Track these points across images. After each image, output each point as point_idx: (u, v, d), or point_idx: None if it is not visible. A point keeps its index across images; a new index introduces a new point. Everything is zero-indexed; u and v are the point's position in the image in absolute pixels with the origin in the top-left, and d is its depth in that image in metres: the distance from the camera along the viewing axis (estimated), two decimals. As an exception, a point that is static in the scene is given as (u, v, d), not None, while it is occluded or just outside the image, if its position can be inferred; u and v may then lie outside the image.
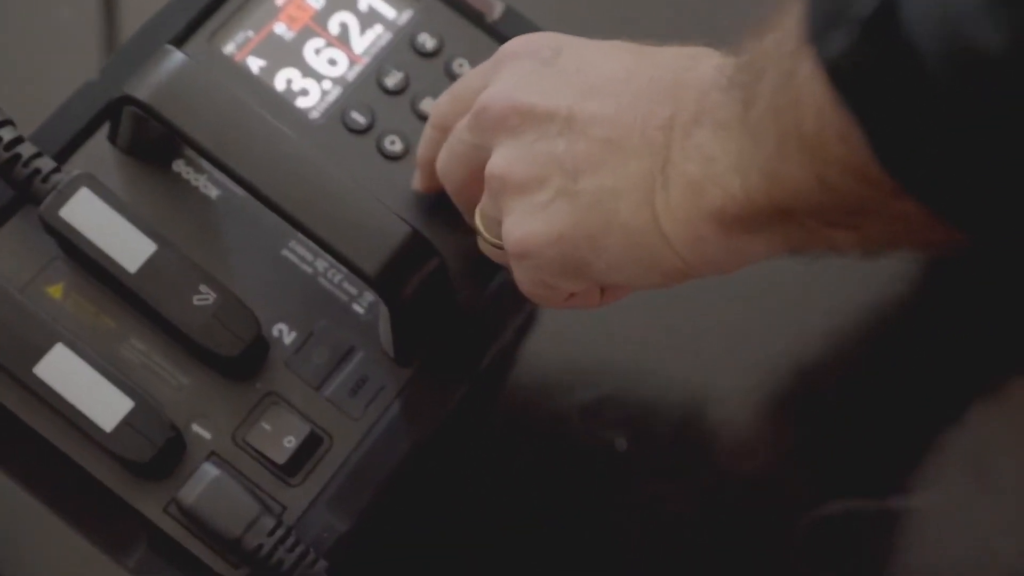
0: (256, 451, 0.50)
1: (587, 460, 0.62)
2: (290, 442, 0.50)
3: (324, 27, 0.56)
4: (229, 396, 0.50)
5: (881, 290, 0.67)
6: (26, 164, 0.49)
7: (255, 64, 0.55)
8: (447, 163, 0.50)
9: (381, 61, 0.56)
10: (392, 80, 0.56)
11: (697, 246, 0.42)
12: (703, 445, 0.64)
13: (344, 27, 0.56)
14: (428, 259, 0.50)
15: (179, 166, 0.53)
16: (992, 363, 0.66)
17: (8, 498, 0.52)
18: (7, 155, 0.49)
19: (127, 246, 0.49)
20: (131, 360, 0.50)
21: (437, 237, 0.51)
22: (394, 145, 0.55)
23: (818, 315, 0.66)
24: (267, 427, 0.50)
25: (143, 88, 0.49)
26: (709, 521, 0.61)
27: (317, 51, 0.56)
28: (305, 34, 0.56)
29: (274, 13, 0.56)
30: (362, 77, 0.56)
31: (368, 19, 0.57)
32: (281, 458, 0.50)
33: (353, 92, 0.55)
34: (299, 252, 0.53)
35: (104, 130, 0.52)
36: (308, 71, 0.55)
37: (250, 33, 0.55)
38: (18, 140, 0.50)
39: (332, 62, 0.56)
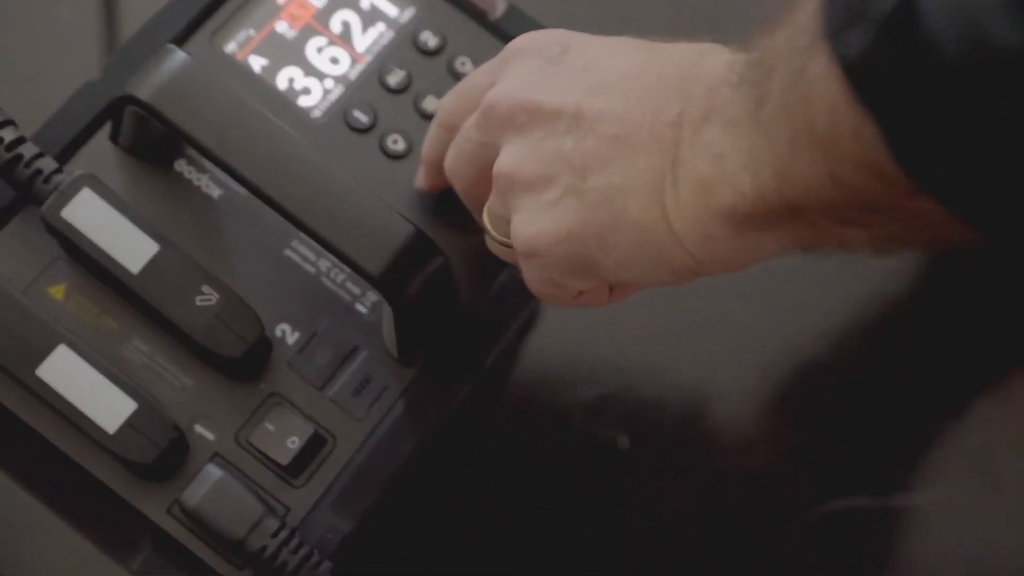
0: (259, 452, 0.50)
1: (589, 459, 0.62)
2: (293, 443, 0.50)
3: (326, 25, 0.56)
4: (232, 397, 0.50)
5: (882, 287, 0.67)
6: (28, 165, 0.49)
7: (257, 63, 0.55)
8: (455, 162, 0.50)
9: (383, 59, 0.56)
10: (394, 79, 0.56)
11: (707, 244, 0.42)
12: (705, 443, 0.64)
13: (346, 25, 0.56)
14: (432, 259, 0.49)
15: (181, 166, 0.52)
16: (994, 360, 0.66)
17: (10, 500, 0.52)
18: (9, 156, 0.49)
19: (129, 247, 0.49)
20: (133, 361, 0.50)
21: (440, 236, 0.51)
22: (397, 144, 0.55)
23: (820, 313, 0.66)
24: (270, 428, 0.50)
25: (145, 88, 0.49)
26: (711, 519, 0.61)
27: (319, 50, 0.56)
28: (307, 32, 0.56)
29: (275, 12, 0.56)
30: (364, 76, 0.56)
31: (370, 17, 0.56)
32: (285, 459, 0.49)
33: (355, 91, 0.55)
34: (302, 252, 0.52)
35: (105, 130, 0.52)
36: (310, 70, 0.55)
37: (251, 32, 0.55)
38: (20, 140, 0.49)
39: (334, 61, 0.56)
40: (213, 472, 0.48)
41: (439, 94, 0.55)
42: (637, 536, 0.61)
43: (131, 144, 0.52)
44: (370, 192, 0.49)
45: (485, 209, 0.49)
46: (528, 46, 0.47)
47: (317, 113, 0.55)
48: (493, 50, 0.55)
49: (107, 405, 0.47)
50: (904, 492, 0.63)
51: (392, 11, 0.57)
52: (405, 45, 0.56)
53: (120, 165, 0.52)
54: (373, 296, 0.52)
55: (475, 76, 0.50)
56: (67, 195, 0.49)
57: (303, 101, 0.55)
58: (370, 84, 0.55)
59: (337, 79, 0.55)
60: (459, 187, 0.51)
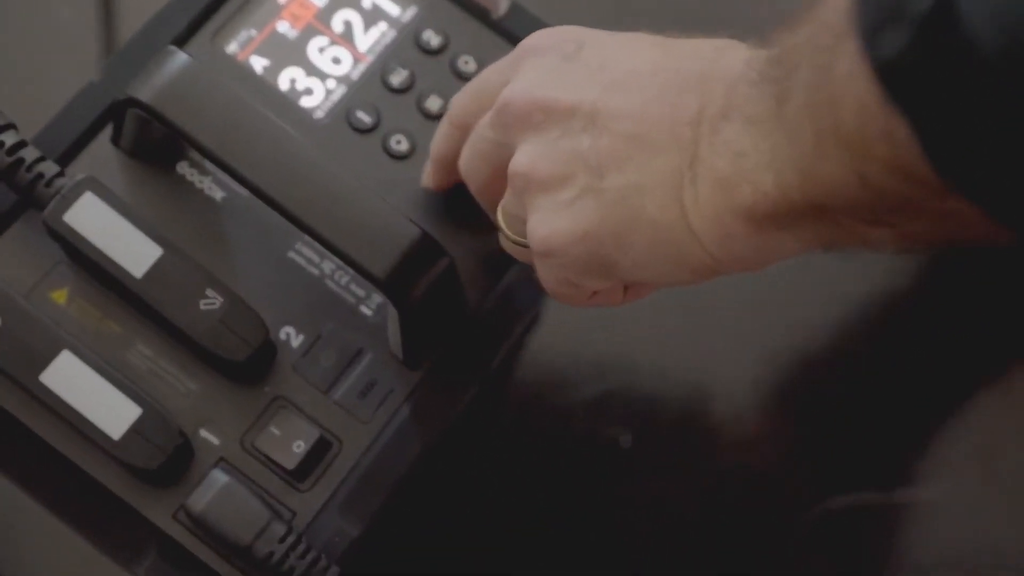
0: (265, 456, 0.49)
1: (592, 457, 0.62)
2: (299, 447, 0.49)
3: (328, 25, 0.56)
4: (237, 401, 0.50)
5: (885, 283, 0.67)
6: (29, 169, 0.49)
7: (258, 64, 0.54)
8: (470, 162, 0.49)
9: (386, 59, 0.55)
10: (397, 78, 0.55)
11: (726, 242, 0.42)
12: (707, 440, 0.64)
13: (348, 25, 0.56)
14: (437, 260, 0.49)
15: (183, 168, 0.52)
16: (997, 355, 0.66)
17: (15, 506, 0.51)
18: (10, 160, 0.49)
19: (133, 251, 0.48)
20: (137, 366, 0.49)
21: (445, 237, 0.50)
22: (400, 144, 0.54)
23: (822, 310, 0.66)
24: (276, 432, 0.50)
25: (146, 90, 0.48)
26: (714, 517, 0.61)
27: (321, 50, 0.55)
28: (308, 32, 0.55)
29: (277, 11, 0.55)
30: (367, 76, 0.55)
31: (372, 16, 0.56)
32: (290, 463, 0.49)
33: (358, 91, 0.55)
34: (305, 254, 0.52)
35: (107, 132, 0.52)
36: (312, 70, 0.55)
37: (253, 32, 0.55)
38: (21, 144, 0.49)
39: (336, 61, 0.55)
40: (219, 477, 0.47)
41: (442, 94, 0.55)
42: (640, 534, 0.61)
43: (133, 146, 0.51)
44: (374, 194, 0.48)
45: (500, 208, 0.48)
46: (543, 43, 0.47)
47: (319, 114, 0.54)
48: (496, 49, 0.55)
49: (112, 411, 0.47)
50: (906, 488, 0.63)
51: (394, 10, 0.56)
52: (407, 44, 0.56)
53: (122, 168, 0.51)
54: (378, 298, 0.52)
55: (488, 74, 0.49)
56: (69, 199, 0.48)
57: (305, 102, 0.54)
58: (372, 84, 0.55)
59: (339, 79, 0.55)
60: (474, 187, 0.50)
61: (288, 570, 0.47)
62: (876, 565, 0.62)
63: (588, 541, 0.60)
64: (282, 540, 0.47)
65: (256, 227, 0.52)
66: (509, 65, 0.48)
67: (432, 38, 0.56)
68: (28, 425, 0.48)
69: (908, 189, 0.35)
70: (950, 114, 0.33)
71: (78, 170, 0.51)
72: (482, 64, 0.55)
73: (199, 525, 0.47)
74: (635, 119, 0.43)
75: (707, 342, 0.65)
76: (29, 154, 0.49)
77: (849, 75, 0.35)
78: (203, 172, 0.52)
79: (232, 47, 0.54)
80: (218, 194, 0.52)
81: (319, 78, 0.55)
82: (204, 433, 0.49)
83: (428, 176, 0.53)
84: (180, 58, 0.49)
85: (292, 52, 0.55)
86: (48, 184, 0.49)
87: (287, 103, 0.54)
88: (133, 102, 0.48)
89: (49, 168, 0.49)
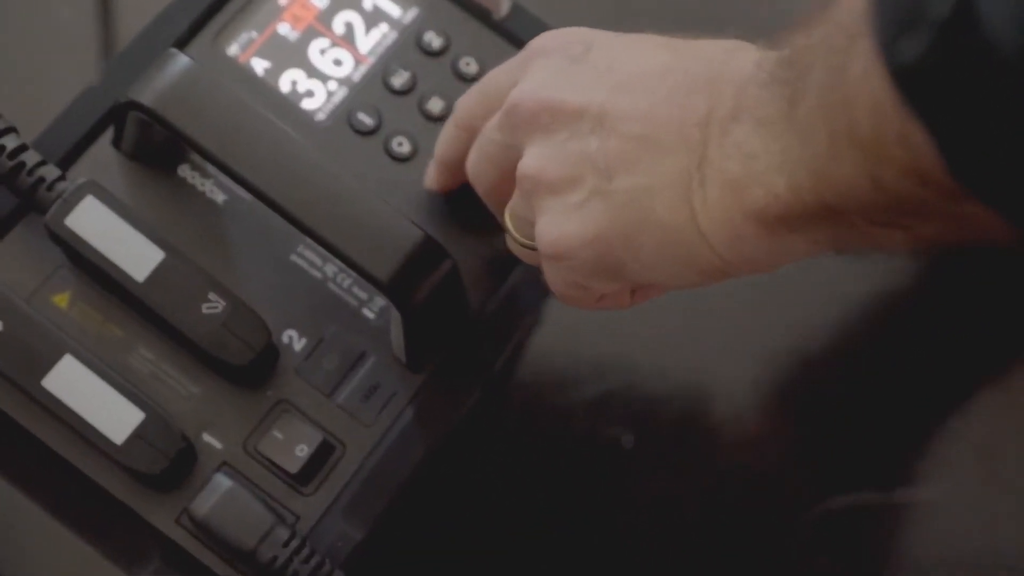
0: (268, 460, 0.49)
1: (593, 457, 0.62)
2: (302, 450, 0.49)
3: (329, 27, 0.55)
4: (240, 405, 0.50)
5: (885, 283, 0.67)
6: (30, 172, 0.49)
7: (259, 66, 0.54)
8: (478, 164, 0.49)
9: (387, 61, 0.55)
10: (399, 80, 0.55)
11: (736, 244, 0.41)
12: (709, 440, 0.64)
13: (349, 26, 0.55)
14: (440, 263, 0.49)
15: (184, 171, 0.52)
16: (997, 354, 0.66)
17: (18, 511, 0.51)
18: (11, 164, 0.48)
19: (134, 255, 0.48)
20: (139, 370, 0.49)
21: (448, 239, 0.50)
22: (402, 146, 0.54)
23: (823, 309, 0.66)
24: (279, 436, 0.50)
25: (148, 93, 0.48)
26: (715, 517, 0.61)
27: (322, 51, 0.55)
28: (309, 34, 0.55)
29: (277, 13, 0.55)
30: (368, 77, 0.55)
31: (373, 18, 0.56)
32: (294, 467, 0.49)
33: (359, 93, 0.55)
34: (308, 257, 0.52)
35: (108, 135, 0.51)
36: (313, 72, 0.55)
37: (253, 34, 0.54)
38: (22, 148, 0.49)
39: (337, 62, 0.55)
40: (222, 482, 0.47)
41: (444, 95, 0.55)
42: (641, 534, 0.61)
43: (134, 150, 0.51)
44: (377, 196, 0.48)
45: (507, 210, 0.48)
46: (550, 45, 0.46)
47: (321, 116, 0.54)
48: (498, 50, 0.55)
49: (114, 415, 0.47)
50: (906, 488, 0.63)
51: (395, 11, 0.56)
52: (409, 46, 0.56)
53: (123, 171, 0.51)
54: (380, 301, 0.52)
55: (495, 75, 0.49)
56: (70, 203, 0.48)
57: (306, 104, 0.54)
58: (374, 86, 0.55)
59: (340, 81, 0.55)
60: (481, 189, 0.50)
61: (292, 574, 0.47)
62: (876, 565, 0.62)
63: (589, 541, 0.60)
64: (286, 544, 0.47)
65: (258, 230, 0.52)
66: (516, 67, 0.47)
67: (433, 39, 0.56)
68: (30, 430, 0.48)
69: (922, 192, 0.35)
70: (968, 117, 0.33)
71: (79, 173, 0.50)
72: (484, 65, 0.55)
73: (202, 530, 0.47)
74: (643, 120, 0.42)
75: (707, 342, 0.65)
76: (30, 158, 0.49)
77: (864, 76, 0.35)
78: (205, 175, 0.52)
79: (233, 49, 0.54)
80: (220, 197, 0.52)
81: (320, 80, 0.55)
82: (207, 437, 0.49)
83: (432, 178, 0.53)
84: (181, 61, 0.48)
85: (293, 54, 0.55)
86: (49, 188, 0.49)
87: (288, 105, 0.54)
88: (134, 105, 0.48)
89: (50, 172, 0.49)
